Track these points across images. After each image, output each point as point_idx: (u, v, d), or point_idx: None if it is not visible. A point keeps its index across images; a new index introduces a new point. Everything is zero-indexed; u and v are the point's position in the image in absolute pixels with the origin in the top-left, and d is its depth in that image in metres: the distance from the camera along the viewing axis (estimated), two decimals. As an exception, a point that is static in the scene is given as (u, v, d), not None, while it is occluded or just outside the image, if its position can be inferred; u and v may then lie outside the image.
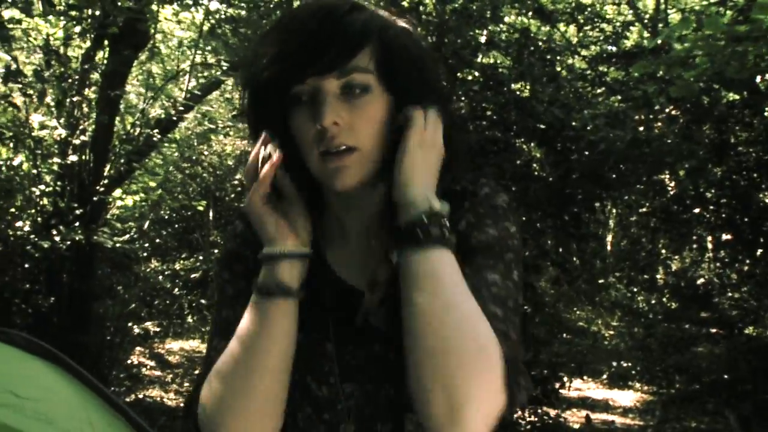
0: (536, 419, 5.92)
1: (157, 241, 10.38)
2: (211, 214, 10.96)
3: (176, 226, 10.87)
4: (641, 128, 4.67)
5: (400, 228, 1.02)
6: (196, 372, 7.84)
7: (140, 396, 7.15)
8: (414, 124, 1.05)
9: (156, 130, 6.55)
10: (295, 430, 1.13)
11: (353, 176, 1.05)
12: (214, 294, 1.25)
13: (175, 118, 6.79)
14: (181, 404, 7.09)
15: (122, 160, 6.60)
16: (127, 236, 10.36)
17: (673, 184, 6.93)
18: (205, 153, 11.33)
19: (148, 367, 8.38)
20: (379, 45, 1.05)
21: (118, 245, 6.66)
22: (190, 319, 9.95)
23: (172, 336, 9.69)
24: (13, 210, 6.20)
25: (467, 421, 0.92)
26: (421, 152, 1.04)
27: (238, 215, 1.25)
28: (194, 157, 10.68)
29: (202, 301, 10.12)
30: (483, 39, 5.49)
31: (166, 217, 10.83)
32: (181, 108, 6.73)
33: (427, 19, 5.01)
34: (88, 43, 6.15)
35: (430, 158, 1.06)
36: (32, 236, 5.84)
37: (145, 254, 11.01)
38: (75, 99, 5.84)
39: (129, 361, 8.06)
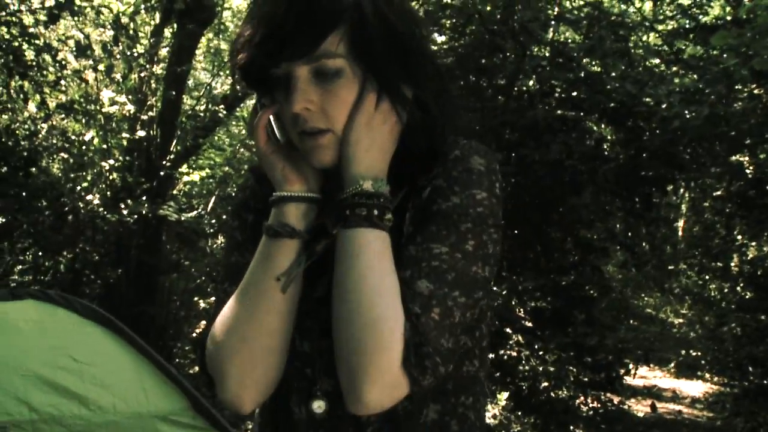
0: (599, 405, 5.77)
1: (224, 217, 10.50)
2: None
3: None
4: (719, 105, 4.41)
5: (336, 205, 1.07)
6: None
7: (204, 368, 7.26)
8: (362, 104, 1.06)
9: (221, 106, 6.59)
10: (283, 381, 1.14)
11: (329, 155, 1.08)
12: (225, 241, 1.29)
13: (240, 95, 6.83)
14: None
15: (188, 136, 6.68)
16: (195, 212, 10.60)
17: (752, 167, 6.60)
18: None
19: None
20: (351, 26, 1.05)
21: (183, 220, 6.76)
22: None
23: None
24: (84, 184, 6.37)
25: (362, 393, 0.98)
26: (367, 131, 1.06)
27: (250, 169, 1.31)
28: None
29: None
30: (553, 13, 5.30)
31: (233, 194, 10.95)
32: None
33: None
34: (157, 20, 6.22)
35: (377, 137, 1.07)
36: (102, 209, 5.99)
37: (212, 230, 11.25)
38: (143, 75, 5.93)
39: (194, 335, 8.21)
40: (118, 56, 5.35)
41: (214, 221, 10.55)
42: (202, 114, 6.76)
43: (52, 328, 2.51)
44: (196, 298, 9.06)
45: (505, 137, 5.16)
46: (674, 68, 5.75)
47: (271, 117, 1.11)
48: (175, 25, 6.18)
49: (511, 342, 5.68)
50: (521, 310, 5.75)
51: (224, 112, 6.65)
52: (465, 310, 1.03)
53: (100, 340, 2.54)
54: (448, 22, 5.14)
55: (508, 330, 5.55)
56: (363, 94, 1.07)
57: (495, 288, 5.54)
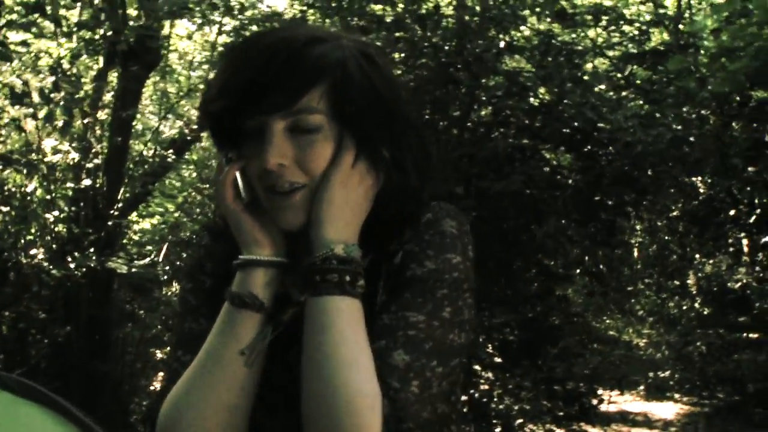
0: (575, 437, 5.66)
1: (178, 263, 10.23)
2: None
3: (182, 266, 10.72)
4: (679, 127, 4.42)
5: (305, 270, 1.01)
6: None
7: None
8: (339, 162, 1.03)
9: (170, 151, 6.39)
10: None
11: (299, 216, 1.04)
12: (178, 305, 1.23)
13: (189, 138, 6.65)
14: None
15: (137, 183, 6.46)
16: (147, 260, 10.29)
17: (704, 187, 6.68)
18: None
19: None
20: (334, 83, 1.02)
21: (135, 270, 6.51)
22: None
23: (195, 360, 9.49)
24: (29, 237, 6.08)
25: None
26: (341, 191, 1.02)
27: (205, 227, 1.29)
28: (212, 178, 10.56)
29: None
30: (502, 44, 5.28)
31: (187, 239, 10.69)
32: (195, 127, 6.56)
33: (446, 25, 4.81)
34: (100, 64, 6.02)
35: (352, 197, 1.03)
36: (47, 264, 5.71)
37: (165, 278, 10.93)
38: (87, 121, 5.71)
39: (152, 388, 7.89)
40: (60, 102, 5.12)
41: (167, 268, 10.27)
42: (150, 159, 6.54)
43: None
44: (152, 349, 8.74)
45: (463, 170, 5.08)
46: (625, 93, 5.79)
47: (239, 175, 1.06)
48: (119, 69, 5.98)
49: (480, 380, 5.55)
50: (489, 345, 5.63)
51: (173, 156, 6.44)
52: (442, 379, 0.99)
53: (36, 420, 2.31)
54: (399, 55, 5.07)
55: (477, 367, 5.42)
56: (340, 152, 1.03)
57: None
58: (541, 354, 5.41)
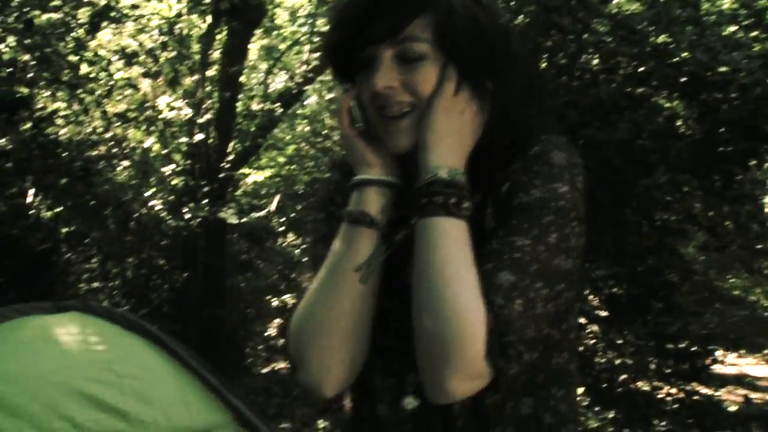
0: (684, 397, 5.42)
1: (292, 215, 10.54)
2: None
3: (311, 200, 10.97)
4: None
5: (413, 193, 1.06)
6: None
7: (277, 367, 7.27)
8: (442, 90, 1.07)
9: (278, 104, 6.53)
10: (366, 382, 1.15)
11: (406, 139, 1.09)
12: (309, 234, 1.24)
13: (295, 91, 6.75)
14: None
15: (247, 137, 6.66)
16: (263, 213, 10.65)
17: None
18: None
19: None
20: (437, 14, 1.07)
21: (247, 220, 6.76)
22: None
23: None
24: (150, 191, 6.44)
25: (446, 382, 0.98)
26: (444, 117, 1.07)
27: (334, 164, 1.34)
28: (324, 132, 10.72)
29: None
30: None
31: (301, 191, 10.97)
32: (301, 80, 6.66)
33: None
34: (208, 23, 6.20)
35: (455, 124, 1.08)
36: (165, 214, 6.03)
37: (281, 229, 11.29)
38: (196, 78, 5.92)
39: (267, 334, 8.25)
40: (168, 61, 5.33)
41: (282, 219, 10.61)
42: (259, 113, 6.71)
43: (94, 341, 2.45)
44: (267, 297, 9.11)
45: (568, 118, 4.88)
46: (754, 33, 5.33)
47: (355, 103, 1.13)
48: (225, 26, 6.13)
49: (586, 333, 5.40)
50: (596, 298, 5.46)
51: (281, 110, 6.57)
52: (547, 301, 1.01)
53: (142, 353, 2.46)
54: (502, 4, 4.89)
55: (583, 320, 5.28)
56: (443, 80, 1.08)
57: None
58: (651, 310, 5.19)
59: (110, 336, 2.49)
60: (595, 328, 5.45)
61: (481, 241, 1.05)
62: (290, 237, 11.11)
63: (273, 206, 7.97)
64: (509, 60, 1.14)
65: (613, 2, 5.01)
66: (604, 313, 5.43)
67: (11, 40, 5.08)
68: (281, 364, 7.46)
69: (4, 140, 5.29)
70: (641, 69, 4.82)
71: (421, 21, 1.06)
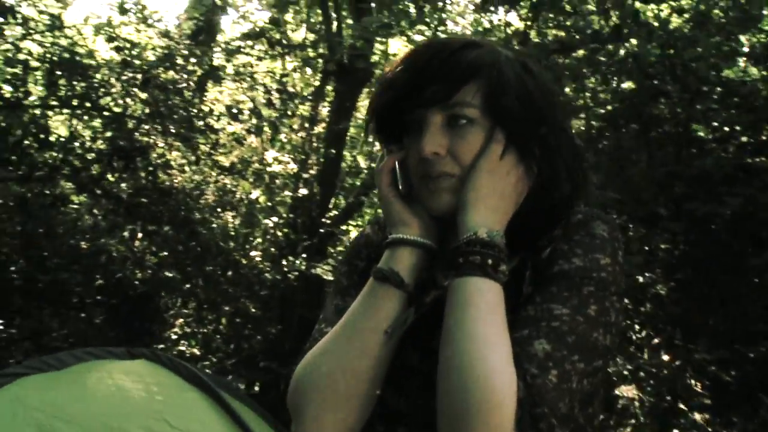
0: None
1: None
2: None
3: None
4: None
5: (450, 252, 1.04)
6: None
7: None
8: (488, 151, 1.07)
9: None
10: None
11: (447, 200, 1.08)
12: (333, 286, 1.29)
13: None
14: None
15: (350, 194, 6.77)
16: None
17: None
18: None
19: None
20: (487, 80, 1.08)
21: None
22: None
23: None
24: (258, 240, 6.66)
25: None
26: (488, 178, 1.06)
27: (372, 220, 1.34)
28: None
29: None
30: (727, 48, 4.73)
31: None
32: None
33: (655, 30, 4.42)
34: (316, 81, 6.43)
35: (498, 186, 1.06)
36: (264, 265, 6.18)
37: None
38: (302, 135, 6.11)
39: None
40: (273, 118, 5.55)
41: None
42: (364, 170, 6.83)
43: (154, 391, 2.51)
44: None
45: (671, 189, 4.65)
46: None
47: (397, 164, 1.14)
48: (334, 85, 6.33)
49: (685, 421, 5.01)
50: (698, 384, 5.07)
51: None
52: (583, 376, 0.97)
53: (198, 407, 2.50)
54: (605, 68, 4.77)
55: (683, 406, 4.90)
56: (490, 143, 1.08)
57: (666, 357, 4.96)
58: (762, 401, 4.75)
59: (171, 387, 2.55)
60: (697, 416, 5.04)
61: (516, 308, 1.02)
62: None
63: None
64: (556, 129, 1.13)
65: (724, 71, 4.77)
66: (707, 401, 5.02)
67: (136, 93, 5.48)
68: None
69: (124, 185, 5.67)
70: (756, 138, 4.54)
71: (471, 87, 1.07)
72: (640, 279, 4.73)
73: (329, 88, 6.55)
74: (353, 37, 5.05)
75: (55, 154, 5.28)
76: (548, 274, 1.04)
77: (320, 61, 6.18)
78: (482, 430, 0.90)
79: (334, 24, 6.01)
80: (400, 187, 1.14)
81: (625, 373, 4.55)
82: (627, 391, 4.46)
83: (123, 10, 5.92)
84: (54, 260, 5.48)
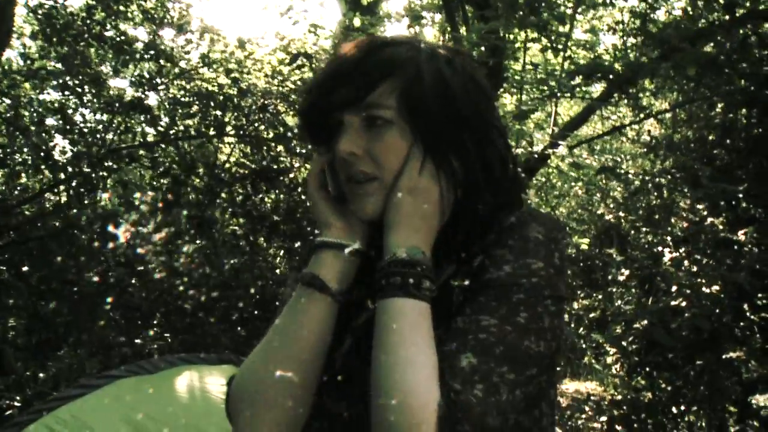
0: None
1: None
2: (614, 252, 10.39)
3: (581, 264, 10.55)
4: None
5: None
6: (583, 415, 7.50)
7: None
8: (406, 168, 1.05)
9: (518, 169, 6.43)
10: None
11: (373, 204, 1.06)
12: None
13: (537, 156, 6.59)
14: (558, 450, 6.78)
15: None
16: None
17: None
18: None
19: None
20: (404, 81, 1.05)
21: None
22: (586, 359, 9.53)
23: (570, 376, 9.39)
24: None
25: None
26: (408, 198, 1.04)
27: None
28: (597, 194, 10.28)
29: (600, 341, 9.63)
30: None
31: (573, 255, 10.61)
32: (550, 144, 6.51)
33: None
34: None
35: (420, 204, 1.04)
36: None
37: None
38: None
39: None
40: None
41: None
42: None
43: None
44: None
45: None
46: None
47: (327, 168, 1.13)
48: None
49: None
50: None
51: (523, 175, 6.48)
52: (515, 387, 0.94)
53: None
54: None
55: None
56: (409, 157, 1.06)
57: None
58: None
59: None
60: None
61: (449, 320, 1.00)
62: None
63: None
64: (483, 128, 1.09)
65: None
66: None
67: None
68: None
69: (268, 203, 6.02)
70: None
71: (386, 87, 1.05)
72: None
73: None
74: (469, 44, 5.00)
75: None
76: (478, 283, 1.02)
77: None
78: None
79: (463, 31, 5.98)
80: (331, 190, 1.13)
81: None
82: (764, 401, 4.02)
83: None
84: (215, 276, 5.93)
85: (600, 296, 8.82)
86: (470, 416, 0.89)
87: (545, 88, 5.75)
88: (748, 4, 3.94)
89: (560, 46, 5.87)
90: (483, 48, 5.41)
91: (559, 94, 5.71)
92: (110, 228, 5.63)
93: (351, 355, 1.09)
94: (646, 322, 5.24)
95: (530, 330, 0.97)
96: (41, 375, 5.02)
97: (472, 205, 1.08)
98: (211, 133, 6.11)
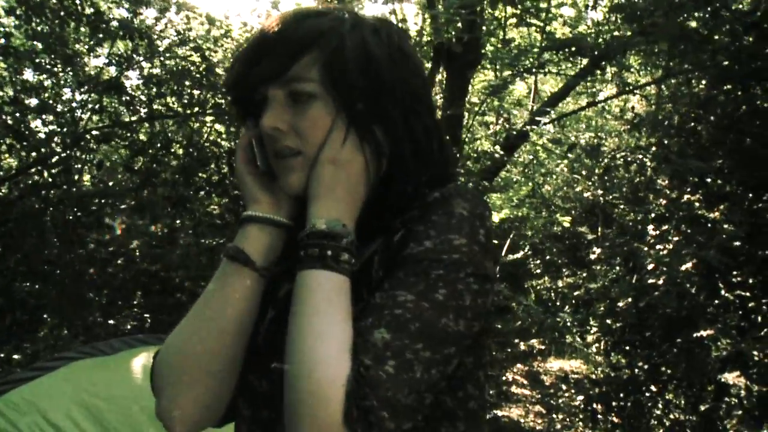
0: None
1: (547, 257, 10.26)
2: (599, 230, 10.38)
3: (566, 242, 10.57)
4: None
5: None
6: (566, 394, 7.55)
7: (500, 413, 7.06)
8: (329, 140, 1.03)
9: (497, 147, 6.43)
10: (238, 427, 1.11)
11: (298, 179, 1.05)
12: None
13: (516, 133, 6.59)
14: (539, 428, 6.82)
15: (475, 178, 6.65)
16: (521, 253, 10.52)
17: None
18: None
19: (519, 384, 8.27)
20: (325, 51, 1.03)
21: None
22: (569, 338, 9.56)
23: (554, 354, 9.43)
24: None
25: None
26: (330, 169, 1.02)
27: None
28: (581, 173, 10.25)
29: (591, 322, 9.65)
30: None
31: (559, 233, 10.64)
32: (530, 120, 6.49)
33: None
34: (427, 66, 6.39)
35: (342, 175, 1.02)
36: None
37: (538, 271, 11.03)
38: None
39: (503, 378, 8.08)
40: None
41: (538, 261, 10.33)
42: (486, 156, 6.68)
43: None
44: (516, 340, 8.93)
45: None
46: None
47: (255, 142, 1.11)
48: (444, 70, 6.26)
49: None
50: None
51: (501, 152, 6.46)
52: (430, 365, 0.91)
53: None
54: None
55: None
56: (332, 128, 1.03)
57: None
58: None
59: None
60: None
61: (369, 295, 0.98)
62: (546, 279, 10.82)
63: (505, 248, 7.81)
64: (412, 103, 1.06)
65: None
66: None
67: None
68: (507, 410, 7.25)
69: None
70: None
71: (308, 59, 1.03)
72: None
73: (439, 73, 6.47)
74: (445, 20, 4.94)
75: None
76: (398, 258, 0.99)
77: (429, 48, 6.14)
78: (311, 422, 0.88)
79: (440, 8, 5.93)
80: (259, 164, 1.11)
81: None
82: (733, 379, 4.02)
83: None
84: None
85: (585, 274, 8.84)
86: (379, 392, 0.87)
87: (521, 63, 5.70)
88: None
89: (539, 22, 5.80)
90: (459, 24, 5.36)
91: (535, 71, 5.64)
92: (106, 220, 5.61)
93: (272, 328, 1.08)
94: (630, 300, 5.26)
95: (449, 307, 0.94)
96: (15, 357, 5.00)
97: (399, 177, 1.05)
98: (188, 112, 6.05)
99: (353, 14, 1.11)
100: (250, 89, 1.07)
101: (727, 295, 4.31)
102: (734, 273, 4.37)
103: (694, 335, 4.19)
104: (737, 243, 4.15)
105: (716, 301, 4.41)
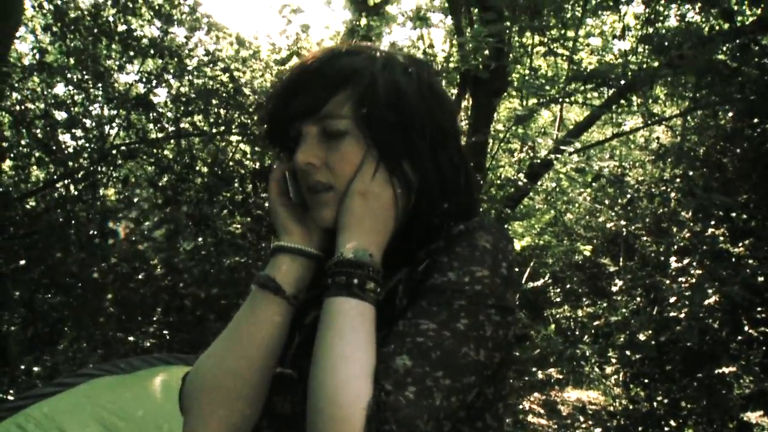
0: None
1: (568, 286, 10.18)
2: (621, 260, 10.28)
3: (587, 272, 10.50)
4: None
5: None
6: (583, 425, 7.45)
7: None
8: (360, 172, 1.06)
9: (521, 175, 6.41)
10: None
11: (330, 213, 1.08)
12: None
13: (540, 161, 6.56)
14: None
15: (499, 206, 6.64)
16: (542, 281, 10.45)
17: None
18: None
19: (536, 413, 8.17)
20: (358, 89, 1.07)
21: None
22: (588, 368, 9.45)
23: (572, 384, 9.32)
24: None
25: None
26: (360, 201, 1.05)
27: None
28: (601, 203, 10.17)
29: (610, 353, 9.54)
30: None
31: (580, 262, 10.57)
32: (554, 149, 6.47)
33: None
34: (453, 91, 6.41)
35: (371, 207, 1.05)
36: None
37: (558, 299, 10.95)
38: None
39: (520, 406, 8.00)
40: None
41: (558, 290, 10.23)
42: (510, 183, 6.67)
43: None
44: (534, 369, 8.83)
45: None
46: None
47: (288, 175, 1.14)
48: (470, 96, 6.28)
49: None
50: None
51: (524, 180, 6.44)
52: (449, 393, 0.92)
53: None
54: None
55: None
56: (363, 162, 1.07)
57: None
58: None
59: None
60: None
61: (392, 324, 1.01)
62: (566, 308, 10.72)
63: (525, 276, 7.75)
64: (436, 138, 1.09)
65: None
66: None
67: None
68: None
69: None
70: None
71: (342, 97, 1.07)
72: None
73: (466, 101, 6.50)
74: (472, 47, 4.97)
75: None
76: (422, 288, 1.01)
77: (455, 74, 6.16)
78: None
79: (468, 35, 5.96)
80: (292, 197, 1.14)
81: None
82: (757, 418, 3.95)
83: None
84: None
85: (605, 304, 8.76)
86: (399, 417, 0.88)
87: (546, 92, 5.72)
88: (748, 13, 3.88)
89: (566, 52, 5.81)
90: (486, 51, 5.38)
91: (561, 100, 5.65)
92: (110, 224, 5.66)
93: (299, 353, 1.10)
94: (650, 332, 5.22)
95: (470, 337, 0.96)
96: (35, 369, 5.05)
97: (426, 210, 1.09)
98: (214, 131, 6.12)
99: (384, 53, 1.14)
100: (285, 125, 1.11)
101: (750, 331, 4.26)
102: (758, 309, 4.31)
103: (716, 371, 4.13)
104: (761, 279, 4.10)
105: (739, 338, 4.35)
